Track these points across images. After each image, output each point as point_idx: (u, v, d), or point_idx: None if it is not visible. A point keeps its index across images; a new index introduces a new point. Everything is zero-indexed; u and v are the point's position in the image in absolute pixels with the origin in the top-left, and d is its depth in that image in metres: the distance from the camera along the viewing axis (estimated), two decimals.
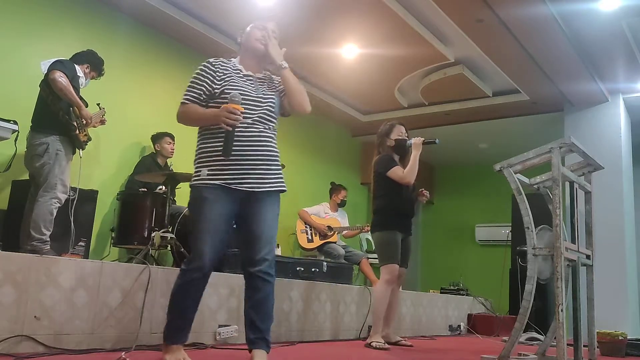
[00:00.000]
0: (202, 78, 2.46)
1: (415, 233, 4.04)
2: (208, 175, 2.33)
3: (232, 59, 2.56)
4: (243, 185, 2.35)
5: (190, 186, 2.41)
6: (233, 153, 2.32)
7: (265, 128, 2.45)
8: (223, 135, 2.33)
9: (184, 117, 2.47)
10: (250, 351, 2.39)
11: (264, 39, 2.51)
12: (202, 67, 2.49)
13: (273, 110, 2.50)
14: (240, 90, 2.41)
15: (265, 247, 2.39)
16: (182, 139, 5.15)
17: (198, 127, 2.50)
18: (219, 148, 2.33)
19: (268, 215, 2.42)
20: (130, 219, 4.40)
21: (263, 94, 2.49)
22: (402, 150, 3.92)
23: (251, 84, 2.49)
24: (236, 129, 2.33)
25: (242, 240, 2.45)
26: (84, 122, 3.71)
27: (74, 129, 3.62)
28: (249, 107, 2.41)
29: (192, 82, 2.47)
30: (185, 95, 2.44)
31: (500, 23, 4.88)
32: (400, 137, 3.93)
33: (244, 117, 2.36)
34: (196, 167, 2.42)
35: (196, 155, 2.46)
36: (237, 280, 3.24)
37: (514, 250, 6.25)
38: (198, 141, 2.48)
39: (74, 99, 3.61)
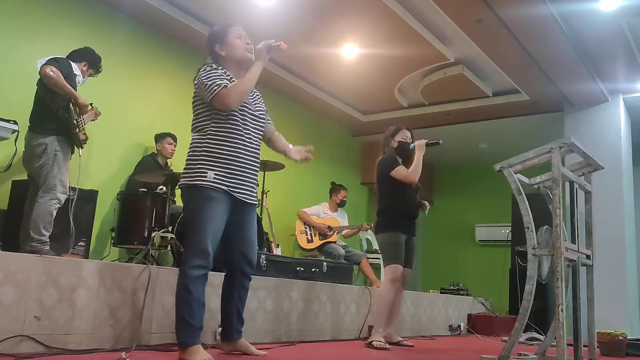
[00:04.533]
0: (223, 75, 2.53)
1: (416, 233, 4.04)
2: (215, 178, 2.46)
3: (219, 67, 2.61)
4: (241, 194, 2.55)
5: (191, 185, 2.47)
6: (238, 162, 2.52)
7: (259, 141, 2.67)
8: (232, 140, 2.49)
9: (236, 94, 2.49)
10: (231, 341, 2.72)
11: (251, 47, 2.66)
12: (214, 67, 2.56)
13: (264, 122, 2.72)
14: (245, 104, 2.58)
15: (256, 253, 2.74)
16: (182, 139, 5.16)
17: (198, 126, 2.56)
18: (226, 153, 2.48)
19: (255, 225, 2.72)
20: (131, 219, 4.40)
21: (255, 106, 2.68)
22: (404, 152, 3.95)
23: (250, 97, 2.67)
24: (241, 140, 2.53)
25: (237, 244, 2.65)
26: (82, 109, 3.67)
27: (74, 127, 3.61)
28: (249, 120, 2.60)
29: (213, 74, 2.51)
30: (217, 82, 2.47)
31: (500, 23, 4.88)
32: (403, 140, 3.97)
33: (246, 131, 2.56)
34: (198, 167, 2.47)
35: (197, 154, 2.51)
36: None
37: (513, 250, 6.25)
38: (200, 139, 2.53)
39: (68, 90, 3.57)
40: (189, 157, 2.55)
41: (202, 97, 2.53)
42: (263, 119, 2.72)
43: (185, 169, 2.55)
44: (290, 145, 2.89)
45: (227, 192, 2.49)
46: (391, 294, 3.74)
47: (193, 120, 2.62)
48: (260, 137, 2.70)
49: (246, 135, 2.57)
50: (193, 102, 2.63)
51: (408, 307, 5.11)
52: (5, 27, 4.32)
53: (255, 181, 2.65)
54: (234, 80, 2.57)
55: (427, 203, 4.15)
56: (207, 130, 2.52)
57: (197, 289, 2.44)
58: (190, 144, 2.58)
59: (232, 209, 2.55)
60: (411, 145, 3.94)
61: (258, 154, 2.66)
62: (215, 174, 2.46)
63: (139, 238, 4.29)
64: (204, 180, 2.45)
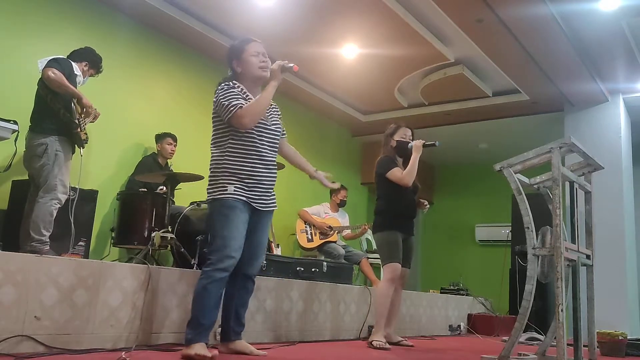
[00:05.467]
0: (239, 94, 2.65)
1: (416, 233, 4.05)
2: (235, 191, 2.61)
3: (236, 83, 2.72)
4: (259, 204, 2.70)
5: (215, 199, 2.62)
6: (255, 176, 2.66)
7: (275, 153, 2.79)
8: (249, 155, 2.64)
9: (252, 114, 2.62)
10: (229, 342, 2.76)
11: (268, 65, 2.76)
12: (231, 85, 2.67)
13: (279, 136, 2.82)
14: (261, 120, 2.70)
15: (263, 256, 2.87)
16: (182, 140, 5.16)
17: (218, 142, 2.70)
18: (244, 168, 2.63)
19: (267, 229, 2.85)
20: (131, 219, 4.40)
21: (271, 120, 2.78)
22: (403, 151, 3.94)
23: (266, 112, 2.76)
24: (257, 155, 2.66)
25: (247, 244, 2.68)
26: (87, 110, 3.66)
27: (76, 127, 3.60)
28: (264, 133, 2.72)
29: (230, 93, 2.63)
30: (233, 103, 2.60)
31: (500, 23, 4.88)
32: (402, 139, 3.95)
33: (262, 146, 2.69)
34: (220, 182, 2.63)
35: (218, 170, 2.66)
36: None
37: (514, 250, 6.25)
38: (220, 156, 2.67)
39: (72, 90, 3.56)
40: (211, 174, 2.70)
41: (219, 115, 2.67)
42: (279, 132, 2.83)
43: (209, 184, 2.70)
44: (316, 170, 3.19)
45: (245, 202, 2.63)
46: (390, 293, 3.74)
47: (212, 135, 2.75)
48: (276, 149, 2.83)
49: (262, 150, 2.70)
50: (212, 118, 2.75)
51: (408, 307, 5.11)
52: (5, 27, 4.32)
53: (272, 189, 2.78)
54: (249, 97, 2.70)
55: (426, 202, 4.13)
56: (226, 147, 2.66)
57: (215, 290, 2.55)
58: (211, 160, 2.72)
59: (250, 215, 2.69)
60: (409, 145, 3.93)
61: (274, 164, 2.79)
62: (235, 187, 2.61)
63: (139, 238, 4.29)
64: (225, 194, 2.60)
